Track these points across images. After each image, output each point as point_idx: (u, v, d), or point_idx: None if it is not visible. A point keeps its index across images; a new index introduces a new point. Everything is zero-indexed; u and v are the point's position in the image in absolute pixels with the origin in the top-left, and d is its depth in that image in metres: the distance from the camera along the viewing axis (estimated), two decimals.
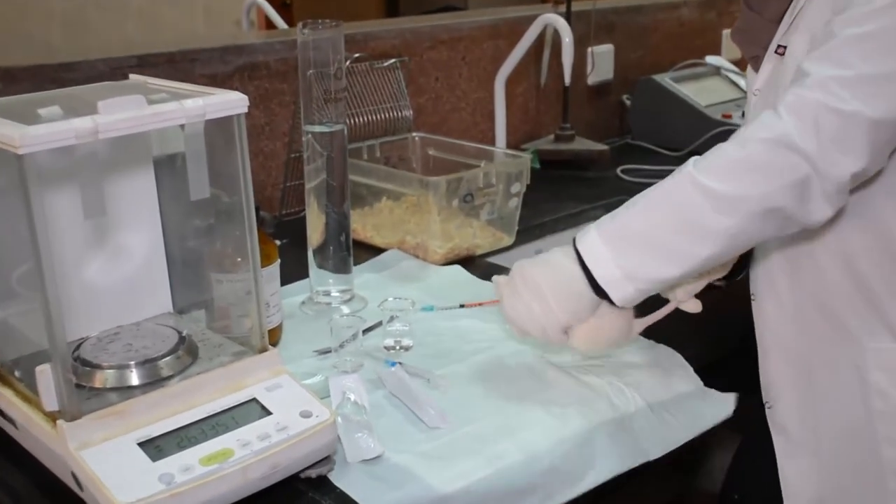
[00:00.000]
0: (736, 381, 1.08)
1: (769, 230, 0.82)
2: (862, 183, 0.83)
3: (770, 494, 1.02)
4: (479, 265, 1.43)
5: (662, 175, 0.90)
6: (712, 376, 1.06)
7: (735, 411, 1.05)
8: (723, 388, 1.07)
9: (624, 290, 0.86)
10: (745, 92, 2.01)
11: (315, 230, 1.26)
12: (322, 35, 1.14)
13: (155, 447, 0.80)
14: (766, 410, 1.04)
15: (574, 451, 0.93)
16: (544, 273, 0.88)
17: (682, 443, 0.99)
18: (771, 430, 1.03)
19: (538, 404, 0.99)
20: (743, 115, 1.89)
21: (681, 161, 0.92)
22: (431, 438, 0.93)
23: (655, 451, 0.97)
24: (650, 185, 0.88)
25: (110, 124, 0.76)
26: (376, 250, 1.44)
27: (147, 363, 0.87)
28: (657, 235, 0.83)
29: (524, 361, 1.09)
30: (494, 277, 0.95)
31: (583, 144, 1.96)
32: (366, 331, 1.15)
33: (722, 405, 1.04)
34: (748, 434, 1.14)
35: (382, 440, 0.92)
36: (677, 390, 1.03)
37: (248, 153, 0.86)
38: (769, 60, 0.97)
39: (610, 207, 0.93)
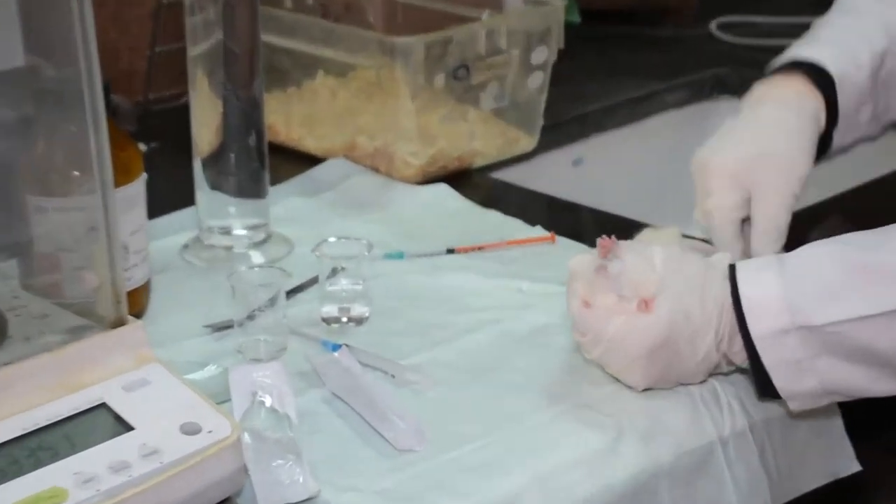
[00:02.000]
0: None
1: None
2: None
3: None
4: (480, 184, 1.46)
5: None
6: None
7: None
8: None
9: (816, 402, 1.01)
10: None
11: (205, 127, 1.28)
12: None
13: None
14: None
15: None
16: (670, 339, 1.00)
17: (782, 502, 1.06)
18: None
19: (571, 416, 1.01)
20: None
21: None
22: (397, 469, 0.95)
23: None
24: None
25: None
26: (309, 160, 1.48)
27: None
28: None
29: (551, 343, 1.12)
30: (573, 265, 1.04)
31: None
32: (290, 293, 1.17)
33: (846, 457, 1.10)
34: None
35: (317, 471, 0.92)
36: None
37: None
38: None
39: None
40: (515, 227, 1.36)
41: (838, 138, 1.20)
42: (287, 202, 1.40)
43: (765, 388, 1.00)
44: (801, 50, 1.22)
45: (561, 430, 1.00)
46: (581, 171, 1.67)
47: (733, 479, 1.03)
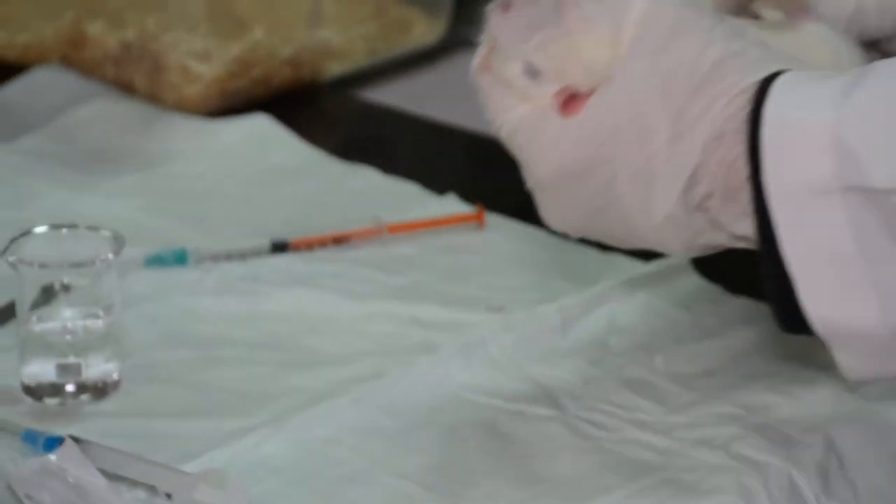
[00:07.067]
0: None
1: None
2: None
3: None
4: (336, 112, 1.33)
5: None
6: None
7: None
8: None
9: (889, 363, 0.76)
10: None
11: None
12: None
13: None
14: None
15: None
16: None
17: None
18: None
19: None
20: None
21: None
22: None
23: None
24: None
25: None
26: None
27: None
28: None
29: (480, 418, 0.93)
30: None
31: None
32: None
33: None
34: None
35: None
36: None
37: None
38: None
39: None
40: (407, 198, 1.14)
41: None
42: None
43: (784, 305, 0.75)
44: None
45: None
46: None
47: None
